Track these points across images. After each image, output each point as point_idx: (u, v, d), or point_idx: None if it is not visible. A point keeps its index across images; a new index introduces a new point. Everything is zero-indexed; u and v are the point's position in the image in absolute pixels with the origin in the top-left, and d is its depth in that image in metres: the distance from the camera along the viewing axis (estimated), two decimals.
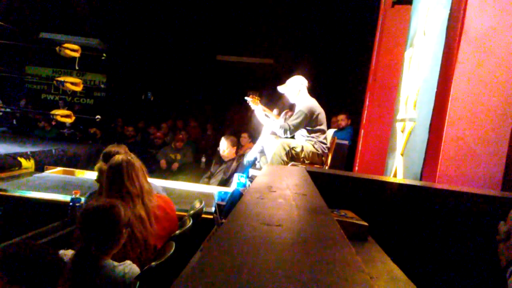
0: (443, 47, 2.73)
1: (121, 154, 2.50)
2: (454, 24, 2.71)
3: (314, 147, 4.05)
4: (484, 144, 2.60)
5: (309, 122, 4.07)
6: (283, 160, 3.84)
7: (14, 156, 4.92)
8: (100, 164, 2.85)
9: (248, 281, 0.49)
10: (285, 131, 4.02)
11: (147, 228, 2.23)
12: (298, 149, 3.92)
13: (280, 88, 4.28)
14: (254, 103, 4.30)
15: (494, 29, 2.63)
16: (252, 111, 4.44)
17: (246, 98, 4.36)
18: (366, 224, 1.51)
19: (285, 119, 4.35)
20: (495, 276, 1.18)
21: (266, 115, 4.37)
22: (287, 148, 3.88)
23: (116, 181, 2.26)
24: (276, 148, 3.91)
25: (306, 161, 3.97)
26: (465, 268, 1.77)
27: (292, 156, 3.90)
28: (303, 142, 4.07)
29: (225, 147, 5.61)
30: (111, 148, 2.98)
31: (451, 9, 2.73)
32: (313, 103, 4.17)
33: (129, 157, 2.37)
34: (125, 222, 1.91)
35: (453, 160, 2.64)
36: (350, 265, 0.58)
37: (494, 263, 1.19)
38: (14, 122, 9.16)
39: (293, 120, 4.04)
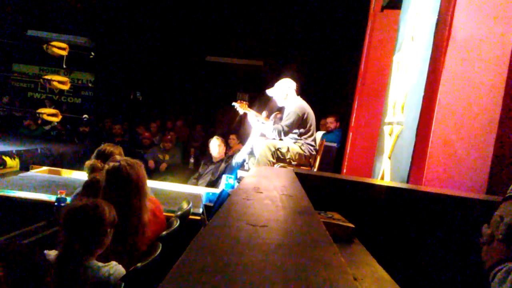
0: (431, 52, 2.76)
1: (120, 158, 2.37)
2: (441, 30, 2.74)
3: (301, 148, 4.06)
4: (470, 148, 2.63)
5: (300, 123, 4.08)
6: (269, 161, 3.84)
7: None
8: (93, 161, 2.81)
9: (231, 281, 0.48)
10: (279, 133, 4.01)
11: (144, 236, 2.22)
12: (284, 150, 3.93)
13: (269, 92, 4.29)
14: (242, 108, 4.30)
15: (481, 35, 2.67)
16: (241, 115, 4.44)
17: (233, 104, 4.36)
18: (352, 226, 1.51)
19: (275, 122, 4.36)
20: (479, 278, 1.19)
21: (258, 119, 4.37)
22: (273, 149, 3.88)
23: (124, 193, 2.21)
24: (262, 149, 3.91)
25: (293, 162, 3.98)
26: (449, 271, 1.79)
27: (278, 157, 3.91)
28: (290, 143, 4.07)
29: (217, 147, 5.61)
30: (106, 146, 2.95)
31: (439, 15, 2.76)
32: (302, 104, 4.18)
33: (139, 168, 2.31)
34: (110, 222, 1.88)
35: (440, 163, 2.67)
36: (334, 266, 0.58)
37: (478, 266, 1.20)
38: None
39: (286, 121, 4.03)
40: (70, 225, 1.83)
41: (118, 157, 2.39)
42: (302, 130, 4.11)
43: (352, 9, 7.00)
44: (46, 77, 6.42)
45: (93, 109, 10.08)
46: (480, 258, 1.14)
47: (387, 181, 3.09)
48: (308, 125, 4.13)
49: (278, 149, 3.90)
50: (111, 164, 2.25)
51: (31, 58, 10.63)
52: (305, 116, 4.09)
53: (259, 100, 5.91)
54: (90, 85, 11.23)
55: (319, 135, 4.55)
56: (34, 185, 4.22)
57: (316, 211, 1.05)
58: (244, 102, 4.38)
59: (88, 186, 2.52)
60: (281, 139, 4.09)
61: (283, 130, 4.00)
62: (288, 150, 3.95)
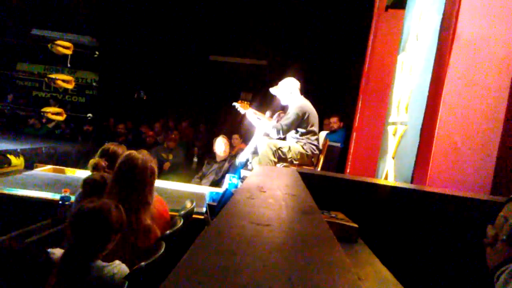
0: (435, 51, 2.75)
1: (140, 155, 2.37)
2: (446, 29, 2.73)
3: (303, 148, 4.06)
4: (474, 149, 2.62)
5: (300, 123, 4.09)
6: (270, 160, 3.85)
7: (3, 153, 4.86)
8: (96, 160, 2.82)
9: (235, 281, 0.48)
10: (277, 132, 4.04)
11: (152, 232, 2.23)
12: (285, 149, 3.94)
13: (272, 90, 4.30)
14: (243, 108, 4.30)
15: (486, 35, 2.66)
16: (243, 115, 4.44)
17: (234, 104, 4.36)
18: (356, 225, 1.51)
19: (278, 121, 4.36)
20: (483, 279, 1.19)
21: (257, 117, 4.37)
22: (274, 148, 3.90)
23: (138, 187, 2.23)
24: (263, 149, 3.93)
25: (295, 162, 3.99)
26: (453, 271, 1.79)
27: (280, 156, 3.92)
28: (292, 142, 4.08)
29: (222, 145, 5.63)
30: (110, 145, 2.96)
31: (443, 14, 2.75)
32: (304, 104, 4.18)
33: (152, 163, 2.34)
34: (118, 227, 1.87)
35: (444, 163, 2.66)
36: (338, 265, 0.58)
37: (482, 266, 1.20)
38: (4, 119, 9.08)
39: (285, 121, 4.06)
40: (78, 227, 1.83)
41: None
42: (303, 130, 4.12)
43: (356, 9, 6.99)
44: (50, 76, 6.45)
45: (97, 108, 10.08)
46: (484, 258, 1.14)
47: (390, 181, 3.09)
48: (310, 125, 4.13)
49: (279, 148, 3.91)
50: (126, 153, 2.30)
51: (35, 57, 10.65)
52: (306, 116, 4.09)
53: (263, 100, 5.90)
54: (94, 84, 11.26)
55: (322, 135, 4.54)
56: (38, 184, 4.22)
57: (319, 211, 1.05)
58: (246, 102, 4.38)
59: (87, 184, 2.53)
60: (279, 138, 4.10)
61: (282, 129, 4.03)
62: (289, 149, 3.96)
